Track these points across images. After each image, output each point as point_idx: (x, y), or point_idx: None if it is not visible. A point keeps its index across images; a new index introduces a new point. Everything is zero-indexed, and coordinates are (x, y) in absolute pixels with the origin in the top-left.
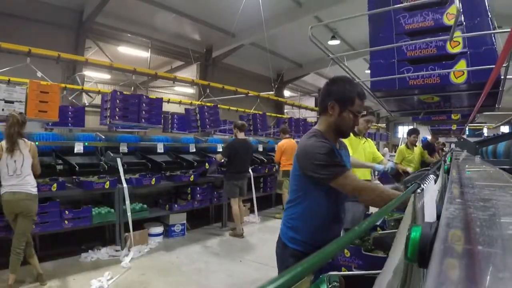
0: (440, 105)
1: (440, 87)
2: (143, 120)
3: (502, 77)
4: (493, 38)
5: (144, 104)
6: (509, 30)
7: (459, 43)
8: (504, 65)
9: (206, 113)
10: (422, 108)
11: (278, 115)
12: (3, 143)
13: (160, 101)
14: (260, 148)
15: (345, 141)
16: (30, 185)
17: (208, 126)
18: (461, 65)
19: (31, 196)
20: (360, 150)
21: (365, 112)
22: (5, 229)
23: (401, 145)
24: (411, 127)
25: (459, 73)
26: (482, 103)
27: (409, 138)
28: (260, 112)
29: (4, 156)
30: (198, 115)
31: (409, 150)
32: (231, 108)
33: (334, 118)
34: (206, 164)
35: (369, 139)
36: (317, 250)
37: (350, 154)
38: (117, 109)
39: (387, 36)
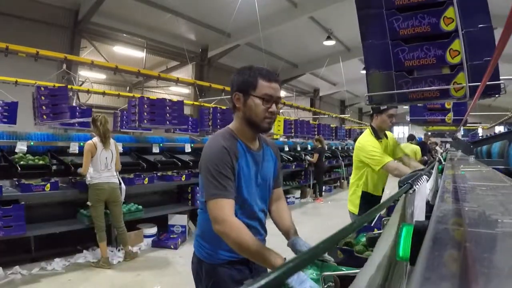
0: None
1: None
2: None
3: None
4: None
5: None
6: None
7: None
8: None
9: (145, 106)
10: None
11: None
12: (96, 140)
13: (64, 89)
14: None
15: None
16: (116, 177)
17: (145, 121)
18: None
19: (118, 186)
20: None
21: (385, 107)
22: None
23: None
24: (406, 127)
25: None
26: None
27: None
28: (224, 107)
29: (98, 152)
30: (137, 107)
31: None
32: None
33: (242, 110)
34: None
35: (389, 133)
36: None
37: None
38: (43, 107)
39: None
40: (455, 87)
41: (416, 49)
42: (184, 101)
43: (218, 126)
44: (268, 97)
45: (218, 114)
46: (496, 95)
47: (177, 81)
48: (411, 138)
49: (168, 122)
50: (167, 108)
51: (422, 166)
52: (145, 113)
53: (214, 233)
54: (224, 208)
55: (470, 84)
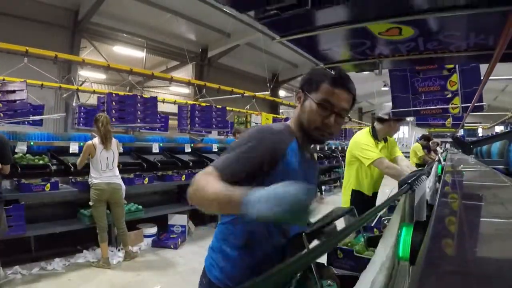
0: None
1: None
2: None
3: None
4: None
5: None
6: None
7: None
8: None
9: (113, 103)
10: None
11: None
12: (96, 140)
13: (23, 85)
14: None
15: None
16: (119, 177)
17: (113, 119)
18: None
19: (121, 187)
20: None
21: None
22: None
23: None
24: (406, 127)
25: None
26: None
27: (422, 142)
28: (203, 104)
29: (98, 153)
30: (105, 105)
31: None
32: (228, 108)
33: (299, 109)
34: None
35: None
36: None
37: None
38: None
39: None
40: (452, 106)
41: (427, 80)
42: (181, 101)
43: (197, 125)
44: (327, 104)
45: (197, 112)
46: (481, 112)
47: (152, 76)
48: (419, 139)
49: (139, 121)
50: (138, 105)
51: (413, 168)
52: (113, 111)
53: (237, 248)
54: (206, 173)
55: (463, 105)
